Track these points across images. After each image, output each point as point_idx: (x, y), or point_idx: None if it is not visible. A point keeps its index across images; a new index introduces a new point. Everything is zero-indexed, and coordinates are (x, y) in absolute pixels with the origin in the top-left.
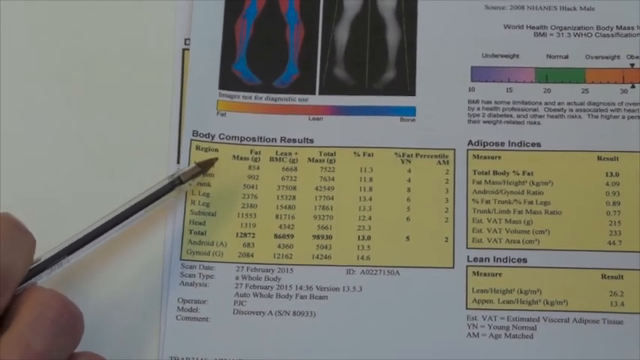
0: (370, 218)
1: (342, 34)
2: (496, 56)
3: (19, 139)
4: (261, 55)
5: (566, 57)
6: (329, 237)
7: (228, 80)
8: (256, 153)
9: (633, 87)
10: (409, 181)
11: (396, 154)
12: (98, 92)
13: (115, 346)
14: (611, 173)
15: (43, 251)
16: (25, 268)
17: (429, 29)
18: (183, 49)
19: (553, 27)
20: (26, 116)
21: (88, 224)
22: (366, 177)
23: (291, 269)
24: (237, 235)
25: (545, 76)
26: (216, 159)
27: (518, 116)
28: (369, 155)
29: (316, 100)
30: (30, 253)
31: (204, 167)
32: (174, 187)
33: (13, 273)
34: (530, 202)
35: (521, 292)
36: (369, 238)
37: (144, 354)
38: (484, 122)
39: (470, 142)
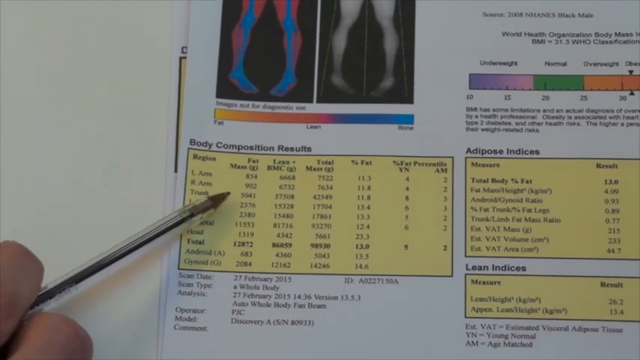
0: (368, 227)
1: (340, 41)
2: (494, 64)
3: (17, 147)
4: (258, 63)
5: (565, 64)
6: (327, 246)
7: (226, 88)
8: (254, 162)
9: (632, 94)
10: (407, 189)
11: (394, 162)
12: (95, 102)
13: (112, 355)
14: (611, 181)
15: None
16: (33, 294)
17: (427, 36)
18: (181, 58)
19: (551, 34)
20: (22, 127)
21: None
22: (364, 185)
23: (290, 278)
24: (235, 245)
25: (543, 83)
26: (229, 193)
27: (517, 124)
28: (367, 163)
29: (314, 108)
30: (38, 279)
31: (216, 201)
32: (185, 220)
33: (21, 299)
34: (529, 210)
35: (520, 300)
36: (367, 246)
37: None
38: (482, 130)
39: (468, 150)
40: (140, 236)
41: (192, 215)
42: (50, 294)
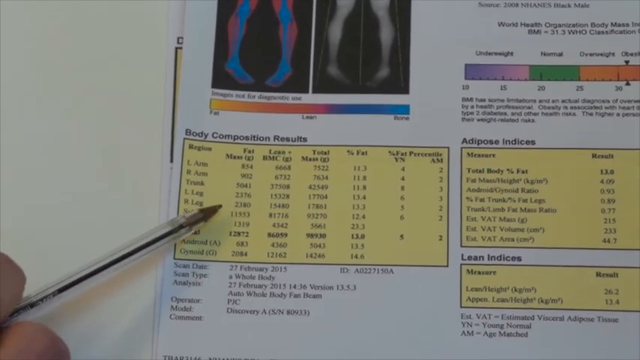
0: (364, 217)
1: (336, 32)
2: (490, 54)
3: (11, 137)
4: (254, 54)
5: (561, 54)
6: (323, 236)
7: (221, 79)
8: (250, 152)
9: (628, 84)
10: (403, 179)
11: (389, 152)
12: (91, 92)
13: (109, 345)
14: (606, 171)
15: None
16: (12, 302)
17: (423, 27)
18: (176, 48)
19: (547, 24)
20: (16, 117)
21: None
22: (359, 175)
23: (285, 268)
24: (230, 234)
25: (539, 73)
26: (220, 206)
27: (513, 114)
28: (362, 154)
29: (309, 98)
30: (19, 289)
31: (207, 214)
32: (175, 231)
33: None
34: (525, 200)
35: (515, 290)
36: (362, 236)
37: (138, 353)
38: (478, 120)
39: (464, 140)
40: (128, 248)
41: (181, 227)
42: (31, 303)
